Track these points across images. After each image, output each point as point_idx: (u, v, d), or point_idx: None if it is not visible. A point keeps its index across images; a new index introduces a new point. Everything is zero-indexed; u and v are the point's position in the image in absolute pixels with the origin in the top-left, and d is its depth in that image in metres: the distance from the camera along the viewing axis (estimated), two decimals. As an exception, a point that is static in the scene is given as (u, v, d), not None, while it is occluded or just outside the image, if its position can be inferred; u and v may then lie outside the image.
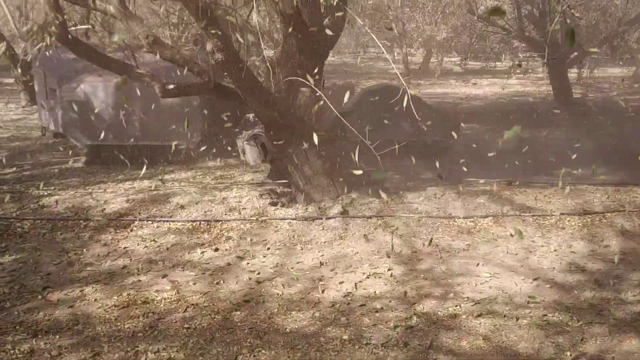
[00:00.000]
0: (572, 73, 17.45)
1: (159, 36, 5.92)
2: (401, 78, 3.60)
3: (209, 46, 4.52)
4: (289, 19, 5.12)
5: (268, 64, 5.45)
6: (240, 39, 5.18)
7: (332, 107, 4.16)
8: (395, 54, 33.70)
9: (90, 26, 6.63)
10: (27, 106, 12.84)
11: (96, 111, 7.89)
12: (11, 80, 14.20)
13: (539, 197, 6.13)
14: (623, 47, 18.35)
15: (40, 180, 7.05)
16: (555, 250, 4.94)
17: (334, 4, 3.91)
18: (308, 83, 3.95)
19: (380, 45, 4.44)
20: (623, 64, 24.77)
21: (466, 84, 21.42)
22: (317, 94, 5.85)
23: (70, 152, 7.94)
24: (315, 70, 5.66)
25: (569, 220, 5.54)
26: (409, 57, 26.25)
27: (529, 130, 10.86)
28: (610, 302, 3.99)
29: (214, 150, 7.84)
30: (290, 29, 5.19)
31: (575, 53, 13.81)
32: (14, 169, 7.67)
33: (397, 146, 4.12)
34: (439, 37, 19.77)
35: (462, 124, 8.70)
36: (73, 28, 5.76)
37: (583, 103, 14.84)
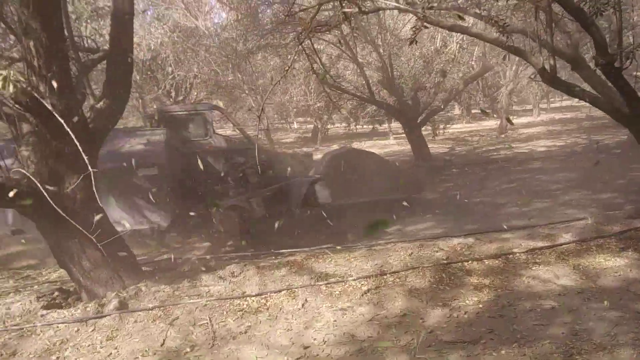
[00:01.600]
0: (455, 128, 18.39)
1: None
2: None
3: None
4: (27, 108, 4.78)
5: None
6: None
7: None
8: (295, 124, 34.60)
9: None
10: None
11: None
12: None
13: (341, 262, 6.00)
14: (468, 103, 20.06)
15: None
16: (335, 321, 4.72)
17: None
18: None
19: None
20: (497, 117, 27.05)
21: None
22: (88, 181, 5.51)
23: None
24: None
25: (362, 285, 5.40)
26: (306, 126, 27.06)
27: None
28: (359, 374, 3.75)
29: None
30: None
31: (425, 112, 14.73)
32: None
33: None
34: (312, 105, 20.39)
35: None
36: None
37: (441, 158, 15.68)
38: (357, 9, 6.83)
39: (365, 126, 21.27)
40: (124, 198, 7.81)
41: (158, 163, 8.02)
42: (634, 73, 11.67)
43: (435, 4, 7.87)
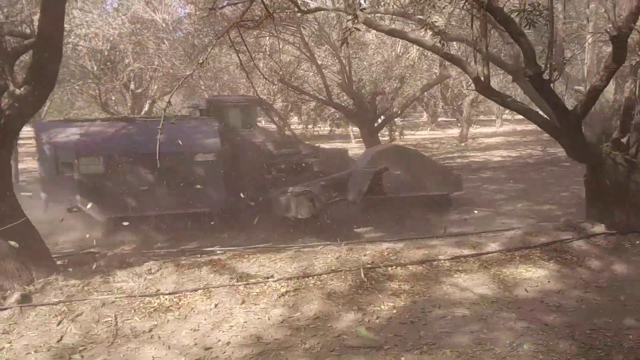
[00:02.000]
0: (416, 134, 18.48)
1: None
2: None
3: None
4: None
5: None
6: None
7: None
8: (264, 122, 34.40)
9: None
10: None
11: (117, 182, 8.01)
12: None
13: (266, 262, 5.88)
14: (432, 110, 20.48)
15: None
16: (245, 322, 4.59)
17: None
18: None
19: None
20: (461, 125, 27.38)
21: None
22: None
23: None
24: None
25: (281, 286, 5.28)
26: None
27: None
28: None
29: None
30: None
31: (382, 117, 14.77)
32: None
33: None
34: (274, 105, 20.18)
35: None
36: None
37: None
38: (295, 8, 6.76)
39: (323, 128, 21.19)
40: (180, 182, 8.24)
41: (215, 149, 8.43)
42: (574, 87, 11.92)
43: (381, 8, 7.86)
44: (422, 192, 9.18)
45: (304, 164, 9.59)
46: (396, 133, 17.04)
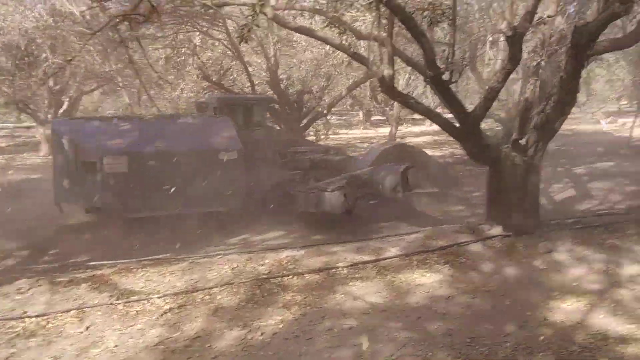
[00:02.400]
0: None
1: None
2: None
3: None
4: None
5: None
6: None
7: None
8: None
9: None
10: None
11: (141, 182, 7.60)
12: None
13: (154, 276, 5.53)
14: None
15: None
16: (116, 346, 4.24)
17: None
18: None
19: None
20: (390, 124, 27.63)
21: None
22: None
23: None
24: None
25: (166, 303, 4.96)
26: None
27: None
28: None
29: None
30: None
31: (309, 117, 14.57)
32: None
33: None
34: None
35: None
36: None
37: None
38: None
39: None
40: (202, 180, 7.94)
41: (237, 147, 8.29)
42: (486, 87, 12.25)
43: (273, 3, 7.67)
44: (429, 188, 9.37)
45: (319, 162, 9.57)
46: (323, 132, 16.89)
